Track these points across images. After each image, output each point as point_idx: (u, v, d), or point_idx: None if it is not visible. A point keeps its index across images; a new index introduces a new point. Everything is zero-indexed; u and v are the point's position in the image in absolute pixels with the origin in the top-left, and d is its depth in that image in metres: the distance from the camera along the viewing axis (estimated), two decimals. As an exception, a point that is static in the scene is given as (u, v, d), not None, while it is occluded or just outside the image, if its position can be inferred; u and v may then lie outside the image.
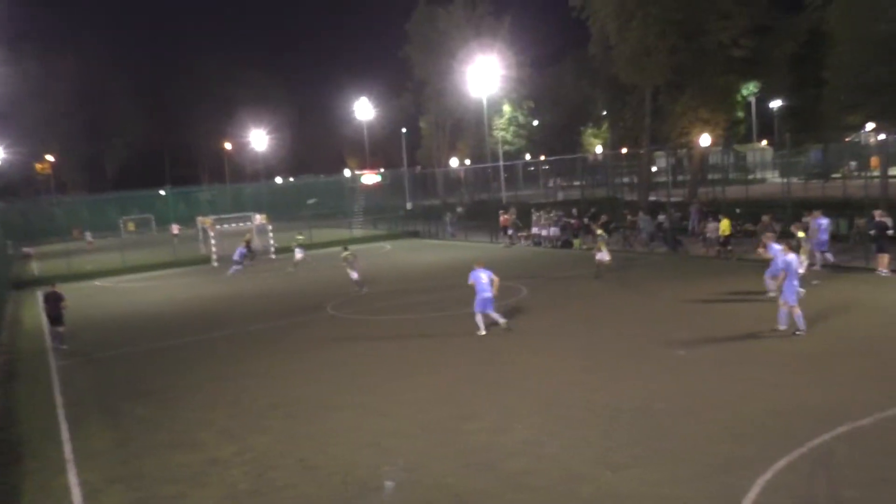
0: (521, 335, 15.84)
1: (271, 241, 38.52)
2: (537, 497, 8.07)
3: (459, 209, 48.72)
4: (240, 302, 24.35)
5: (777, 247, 16.37)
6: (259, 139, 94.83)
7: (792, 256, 14.19)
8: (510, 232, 34.82)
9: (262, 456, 10.03)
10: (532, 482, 8.43)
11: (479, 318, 16.08)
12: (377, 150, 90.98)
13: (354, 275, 23.30)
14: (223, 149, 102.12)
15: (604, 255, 22.35)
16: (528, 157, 75.60)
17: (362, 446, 10.04)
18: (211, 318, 21.78)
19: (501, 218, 35.74)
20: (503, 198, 46.25)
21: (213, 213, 46.38)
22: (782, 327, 14.11)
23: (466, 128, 72.86)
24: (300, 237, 33.43)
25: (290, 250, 32.76)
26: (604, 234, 23.89)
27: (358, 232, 47.63)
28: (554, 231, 32.21)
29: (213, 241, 36.95)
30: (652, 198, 40.81)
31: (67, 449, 11.07)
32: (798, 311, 13.85)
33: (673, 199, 31.00)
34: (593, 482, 8.31)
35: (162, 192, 68.24)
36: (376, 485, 8.81)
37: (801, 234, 18.44)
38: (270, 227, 39.13)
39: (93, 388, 14.75)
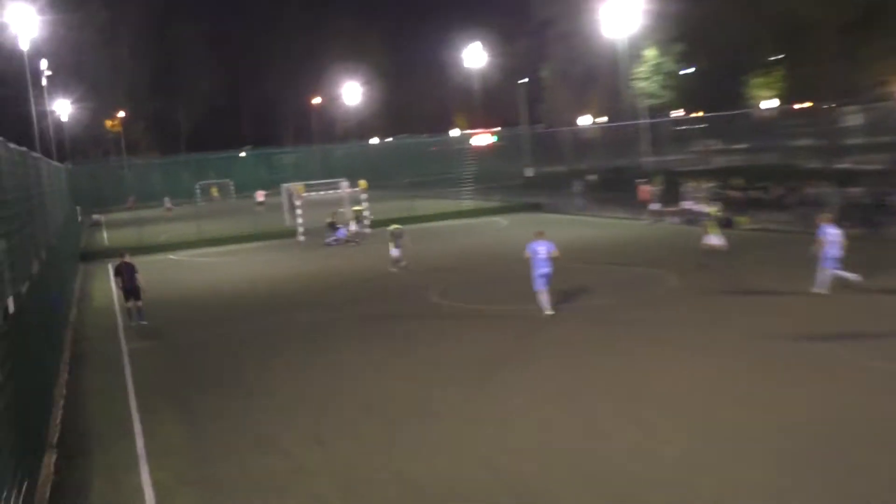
0: (659, 329, 15.39)
1: (366, 213, 38.98)
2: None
3: (591, 177, 47.90)
4: (328, 283, 25.03)
5: None
6: (351, 94, 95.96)
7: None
8: (655, 207, 33.89)
9: (352, 466, 10.25)
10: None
11: (542, 298, 17.16)
12: (491, 105, 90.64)
13: (395, 252, 25.07)
14: (309, 105, 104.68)
15: (713, 239, 21.78)
16: (679, 113, 73.11)
17: (470, 461, 10.05)
18: (296, 300, 22.54)
19: (642, 189, 34.84)
20: (645, 164, 45.03)
21: (299, 178, 47.71)
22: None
23: (599, 78, 71.28)
24: (358, 208, 35.52)
25: (386, 224, 33.43)
26: (717, 213, 23.60)
27: (467, 203, 47.64)
28: (710, 206, 31.12)
29: (298, 212, 37.75)
30: (841, 165, 38.60)
31: (140, 443, 11.75)
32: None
33: (869, 167, 29.13)
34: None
35: (242, 154, 70.96)
36: (488, 508, 8.78)
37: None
38: (365, 196, 39.59)
39: (166, 376, 15.64)
